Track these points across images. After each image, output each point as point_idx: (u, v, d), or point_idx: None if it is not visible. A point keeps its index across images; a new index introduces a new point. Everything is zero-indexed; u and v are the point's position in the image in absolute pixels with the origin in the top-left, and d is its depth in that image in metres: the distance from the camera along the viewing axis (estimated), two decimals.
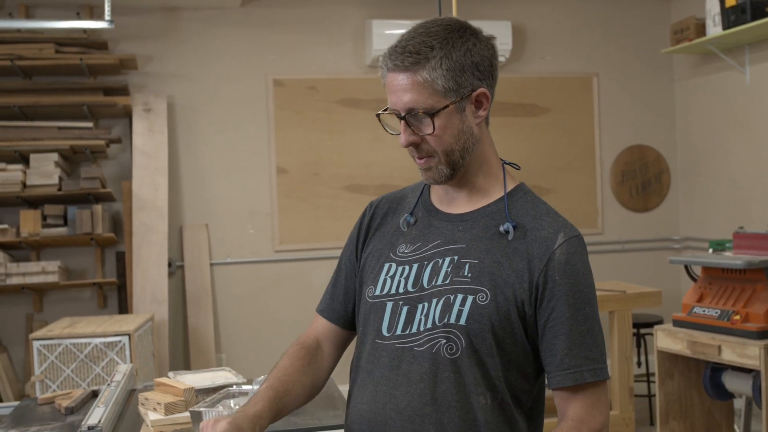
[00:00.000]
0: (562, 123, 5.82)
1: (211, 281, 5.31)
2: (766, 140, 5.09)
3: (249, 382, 2.44)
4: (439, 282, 1.59)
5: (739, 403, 4.12)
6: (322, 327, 1.82)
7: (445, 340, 1.56)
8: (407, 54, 1.54)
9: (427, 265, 1.62)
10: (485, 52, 1.59)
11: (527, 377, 1.62)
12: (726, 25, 4.83)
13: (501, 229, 1.60)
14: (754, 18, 4.63)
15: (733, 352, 3.38)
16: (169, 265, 5.11)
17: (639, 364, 5.26)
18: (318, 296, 5.79)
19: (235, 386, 2.41)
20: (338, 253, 5.57)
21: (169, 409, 2.19)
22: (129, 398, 2.55)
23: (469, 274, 1.58)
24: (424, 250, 1.64)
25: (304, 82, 5.44)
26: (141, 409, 2.31)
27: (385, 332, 1.62)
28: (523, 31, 5.70)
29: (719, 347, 3.43)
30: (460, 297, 1.57)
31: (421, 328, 1.58)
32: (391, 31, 5.33)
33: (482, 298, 1.55)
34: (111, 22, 4.20)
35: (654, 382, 5.06)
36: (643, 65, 5.96)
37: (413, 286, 1.62)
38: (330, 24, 5.50)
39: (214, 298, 5.33)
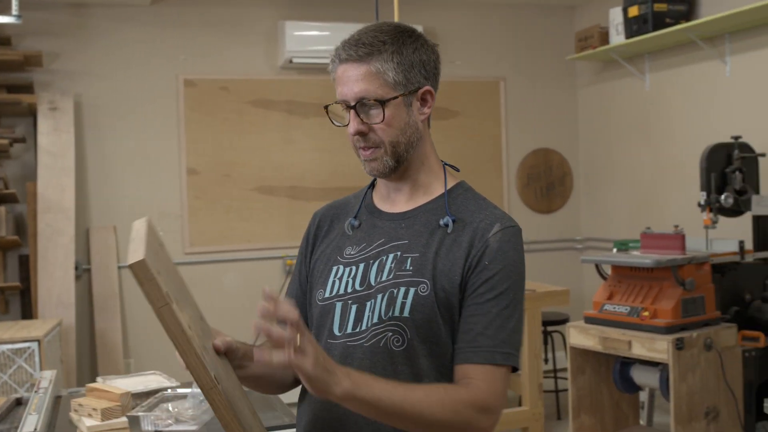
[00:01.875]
0: (470, 126, 5.95)
1: (119, 284, 5.18)
2: (664, 145, 5.34)
3: (184, 386, 2.41)
4: (384, 278, 1.62)
5: (644, 396, 4.31)
6: None
7: (391, 333, 1.59)
8: (361, 45, 1.59)
9: (373, 263, 1.65)
10: (431, 54, 1.66)
11: None
12: (629, 34, 5.05)
13: (441, 222, 1.65)
14: (655, 28, 4.85)
15: (643, 346, 3.54)
16: (76, 268, 4.96)
17: (546, 360, 5.43)
18: (229, 299, 5.74)
19: (170, 390, 2.38)
20: (250, 254, 5.55)
21: (106, 414, 2.15)
22: (56, 405, 2.48)
23: (411, 268, 1.61)
24: (369, 250, 1.68)
25: (215, 82, 5.38)
26: (73, 415, 2.25)
27: (336, 332, 1.64)
28: (434, 35, 5.79)
29: (629, 342, 3.58)
30: (402, 290, 1.60)
31: (369, 324, 1.61)
32: (305, 33, 5.33)
33: (423, 289, 1.59)
34: (19, 17, 4.05)
35: (561, 378, 5.24)
36: (548, 71, 6.16)
37: (361, 285, 1.64)
38: (242, 24, 5.46)
39: (122, 302, 5.20)
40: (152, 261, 1.31)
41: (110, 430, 2.13)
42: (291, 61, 5.35)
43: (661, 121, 5.35)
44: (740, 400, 3.64)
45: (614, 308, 3.73)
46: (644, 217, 5.50)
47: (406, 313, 1.58)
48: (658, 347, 3.47)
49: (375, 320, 1.60)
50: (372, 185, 1.79)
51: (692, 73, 5.07)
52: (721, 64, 4.82)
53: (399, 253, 1.63)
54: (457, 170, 1.79)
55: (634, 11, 4.97)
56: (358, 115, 1.60)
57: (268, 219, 5.50)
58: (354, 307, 1.63)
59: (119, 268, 5.18)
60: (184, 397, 2.26)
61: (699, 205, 4.06)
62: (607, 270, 4.00)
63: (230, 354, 1.58)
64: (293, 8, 5.50)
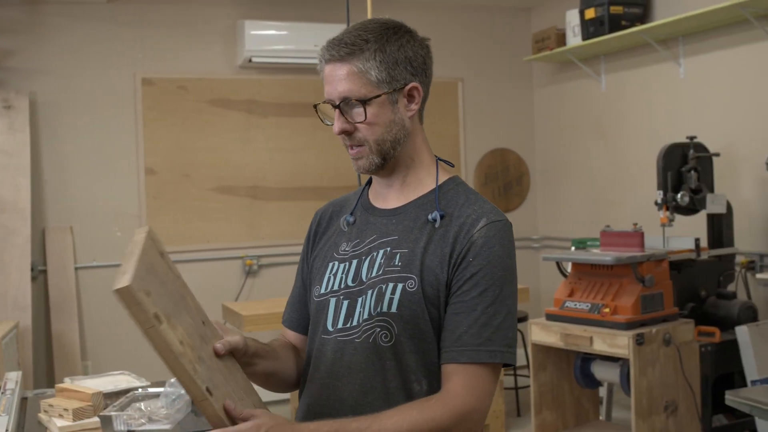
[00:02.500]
0: (429, 126, 5.92)
1: (76, 286, 5.11)
2: (620, 145, 5.44)
3: (155, 385, 2.39)
4: (374, 274, 1.63)
5: (603, 391, 4.38)
6: (289, 336, 1.86)
7: (380, 329, 1.60)
8: (343, 45, 1.61)
9: (365, 259, 1.67)
10: (419, 50, 1.67)
11: None
12: (585, 36, 5.13)
13: (429, 217, 1.65)
14: (611, 30, 4.93)
15: (604, 342, 3.60)
16: (32, 269, 4.87)
17: None
18: None
19: (140, 389, 2.36)
20: (209, 255, 5.52)
21: (78, 414, 2.12)
22: (21, 407, 2.44)
23: (400, 263, 1.62)
24: (362, 246, 1.70)
25: (173, 81, 5.33)
26: (43, 416, 2.22)
27: (329, 327, 1.67)
28: None
29: (591, 338, 3.64)
30: (391, 285, 1.61)
31: (360, 320, 1.62)
32: (264, 32, 5.31)
33: (411, 284, 1.59)
34: None
35: (520, 375, 5.30)
36: (505, 72, 6.22)
37: (353, 281, 1.66)
38: (201, 23, 5.42)
39: (79, 304, 5.13)
40: (140, 282, 1.32)
41: (82, 431, 2.11)
42: (250, 61, 5.33)
43: (617, 121, 5.45)
44: (698, 394, 3.72)
45: (575, 305, 3.79)
46: (600, 216, 5.59)
47: (393, 309, 1.59)
48: (619, 343, 3.54)
49: (365, 316, 1.62)
50: (369, 182, 1.81)
51: (647, 74, 5.17)
52: (675, 66, 4.92)
53: (389, 249, 1.65)
54: (452, 165, 1.80)
55: (590, 13, 5.05)
56: (343, 115, 1.63)
57: (227, 219, 5.47)
58: (346, 303, 1.65)
59: (76, 269, 5.11)
60: (156, 396, 2.25)
61: (656, 203, 4.15)
62: (566, 268, 4.06)
63: (237, 352, 1.59)
64: (252, 7, 5.48)
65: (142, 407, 2.17)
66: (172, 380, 2.23)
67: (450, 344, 1.57)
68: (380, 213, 1.72)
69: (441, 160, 1.77)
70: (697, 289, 4.10)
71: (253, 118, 5.52)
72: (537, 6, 6.19)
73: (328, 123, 1.69)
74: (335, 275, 1.69)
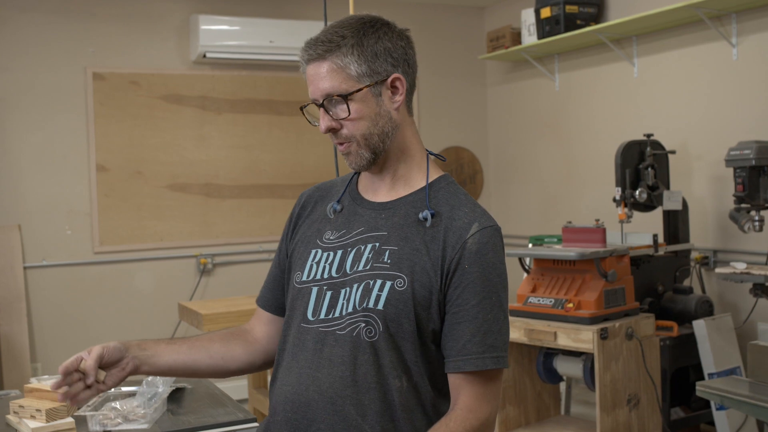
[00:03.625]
0: None
1: (25, 286, 4.96)
2: (573, 143, 5.50)
3: (128, 384, 2.33)
4: (361, 268, 1.63)
5: (563, 386, 4.42)
6: (260, 316, 1.87)
7: (364, 324, 1.60)
8: (319, 43, 1.61)
9: (351, 251, 1.66)
10: (398, 41, 1.65)
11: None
12: (541, 35, 5.17)
13: (420, 216, 1.64)
14: (567, 29, 4.98)
15: (568, 337, 3.63)
16: None
17: None
18: (142, 299, 5.60)
19: (113, 389, 2.29)
20: (162, 254, 5.42)
21: (51, 415, 2.05)
22: None
23: (389, 261, 1.62)
24: (348, 237, 1.69)
25: (125, 76, 5.22)
26: (12, 418, 2.13)
27: (309, 316, 1.65)
28: None
29: (555, 333, 3.67)
30: (379, 282, 1.60)
31: (343, 313, 1.62)
32: (218, 27, 5.23)
33: (400, 284, 1.60)
34: None
35: None
36: (459, 70, 6.24)
37: (337, 272, 1.65)
38: (153, 17, 5.31)
39: (28, 304, 4.98)
40: None
41: (56, 431, 2.04)
42: (204, 56, 5.24)
43: (571, 120, 5.51)
44: (659, 387, 3.78)
45: (539, 301, 3.81)
46: (553, 213, 5.65)
47: (380, 306, 1.59)
48: (583, 337, 3.57)
49: (350, 309, 1.61)
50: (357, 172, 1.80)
51: (601, 73, 5.24)
52: (629, 66, 5.00)
53: (377, 245, 1.64)
54: (443, 159, 1.82)
55: (546, 12, 5.09)
56: (327, 112, 1.62)
57: (181, 217, 5.37)
58: (329, 294, 1.65)
59: (25, 268, 4.96)
60: (131, 395, 2.18)
61: (614, 200, 4.20)
62: (527, 263, 4.09)
63: (109, 365, 1.67)
64: (206, 2, 5.39)
65: (118, 406, 2.11)
66: (149, 379, 2.18)
67: (455, 354, 1.59)
68: (369, 205, 1.71)
69: (432, 154, 1.76)
70: (655, 284, 4.16)
71: (207, 114, 5.43)
72: (490, 5, 6.22)
73: (316, 124, 1.68)
74: (318, 263, 1.69)
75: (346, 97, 1.60)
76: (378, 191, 1.73)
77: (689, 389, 4.24)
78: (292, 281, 1.72)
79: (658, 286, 4.17)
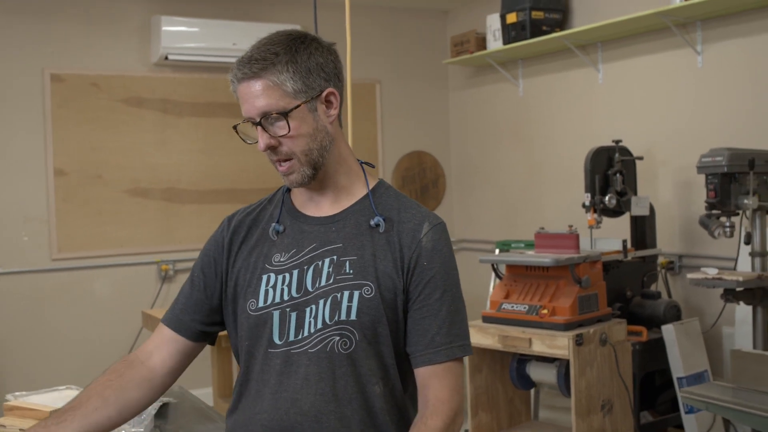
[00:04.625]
0: (348, 128, 5.91)
1: None
2: (536, 149, 5.53)
3: None
4: (323, 283, 1.65)
5: (533, 392, 4.43)
6: (166, 337, 1.77)
7: (338, 337, 1.62)
8: (254, 62, 1.60)
9: (308, 269, 1.67)
10: (328, 56, 1.67)
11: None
12: (506, 40, 5.18)
13: (372, 222, 1.69)
14: (533, 35, 5.00)
15: (543, 343, 3.63)
16: None
17: None
18: (102, 307, 5.45)
19: None
20: (123, 260, 5.28)
21: None
22: None
23: (351, 271, 1.65)
24: (301, 256, 1.69)
25: (85, 78, 5.08)
26: None
27: (277, 340, 1.65)
28: None
29: (530, 340, 3.66)
30: (346, 293, 1.64)
31: (312, 330, 1.63)
32: (181, 29, 5.14)
33: (368, 291, 1.64)
34: None
35: None
36: (422, 74, 6.23)
37: (297, 291, 1.66)
38: (114, 18, 5.18)
39: None
40: None
41: None
42: (166, 58, 5.14)
43: (535, 125, 5.53)
44: (632, 392, 3.80)
45: (512, 307, 3.81)
46: (516, 218, 5.67)
47: (353, 317, 1.63)
48: (558, 344, 3.57)
49: (319, 326, 1.63)
50: (288, 189, 1.79)
51: (565, 79, 5.27)
52: (594, 71, 5.04)
53: (335, 257, 1.67)
54: (372, 166, 1.84)
55: (512, 18, 5.11)
56: (266, 131, 1.62)
57: (141, 222, 5.25)
58: (293, 315, 1.65)
59: None
60: None
61: (583, 206, 4.22)
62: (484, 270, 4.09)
63: None
64: (168, 3, 5.28)
65: None
66: None
67: (424, 348, 1.65)
68: (315, 221, 1.72)
69: (362, 162, 1.80)
70: (624, 290, 4.20)
71: (168, 117, 5.33)
72: (453, 9, 6.22)
73: (250, 142, 1.68)
74: (274, 287, 1.67)
75: (285, 115, 1.60)
76: (320, 205, 1.74)
77: (655, 393, 4.29)
78: (245, 311, 1.68)
79: (627, 292, 4.21)
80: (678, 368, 3.99)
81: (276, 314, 1.65)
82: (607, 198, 4.18)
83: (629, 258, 4.20)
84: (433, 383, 1.64)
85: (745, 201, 3.49)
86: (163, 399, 2.34)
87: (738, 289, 3.49)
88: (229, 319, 1.75)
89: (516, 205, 5.73)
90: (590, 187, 4.21)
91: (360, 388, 1.63)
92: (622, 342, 3.80)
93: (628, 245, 4.30)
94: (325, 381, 1.61)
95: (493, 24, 5.35)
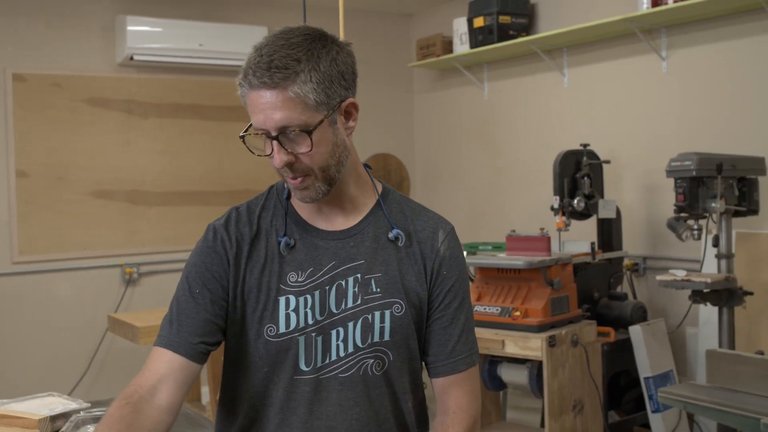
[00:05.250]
0: None
1: None
2: (501, 152, 5.58)
3: (96, 406, 2.22)
4: (351, 304, 1.56)
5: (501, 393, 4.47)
6: (174, 366, 1.50)
7: (373, 360, 1.57)
8: (274, 70, 1.43)
9: (330, 289, 1.56)
10: (348, 59, 1.53)
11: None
12: (474, 44, 5.22)
13: (390, 236, 1.62)
14: (500, 39, 5.04)
15: (516, 345, 3.67)
16: None
17: None
18: (64, 311, 5.35)
19: (82, 412, 2.18)
20: (85, 263, 5.19)
21: None
22: None
23: (378, 289, 1.58)
24: (321, 275, 1.57)
25: (47, 78, 4.99)
26: None
27: (303, 367, 1.55)
28: None
29: (503, 342, 3.70)
30: (377, 314, 1.57)
31: (341, 354, 1.56)
32: (146, 29, 5.08)
33: (398, 309, 1.58)
34: None
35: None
36: (385, 77, 6.23)
37: (321, 314, 1.55)
38: (77, 16, 5.09)
39: None
40: None
41: None
42: (131, 58, 5.07)
43: (500, 128, 5.58)
44: (602, 392, 3.86)
45: (485, 309, 3.84)
46: (481, 221, 5.71)
47: (386, 338, 1.57)
48: (531, 345, 3.61)
49: (350, 349, 1.56)
50: (288, 196, 1.64)
51: (531, 83, 5.33)
52: (559, 76, 5.10)
53: (359, 275, 1.58)
54: (370, 168, 1.73)
55: (479, 22, 5.14)
56: (283, 147, 1.47)
57: (105, 225, 5.17)
58: (319, 339, 1.55)
59: None
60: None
61: (552, 208, 4.27)
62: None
63: None
64: (132, 3, 5.21)
65: (92, 430, 2.00)
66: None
67: (446, 357, 1.63)
68: (330, 236, 1.60)
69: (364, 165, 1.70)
70: (591, 291, 4.25)
71: (133, 119, 5.25)
72: (417, 13, 6.25)
73: (258, 153, 1.54)
74: (296, 311, 1.55)
75: (310, 132, 1.45)
76: (332, 217, 1.62)
77: (621, 393, 4.35)
78: (261, 335, 1.55)
79: (594, 293, 4.27)
80: (645, 368, 4.06)
81: (301, 340, 1.54)
82: (575, 201, 4.23)
83: (597, 260, 4.26)
84: (454, 391, 1.62)
85: (713, 204, 3.56)
86: None
87: (705, 290, 3.56)
88: (235, 340, 1.59)
89: (481, 208, 5.77)
90: (559, 190, 4.26)
91: (394, 406, 1.60)
92: (593, 343, 3.86)
93: (595, 247, 4.37)
94: (361, 405, 1.55)
95: (460, 28, 5.38)
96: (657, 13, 4.18)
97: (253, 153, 1.57)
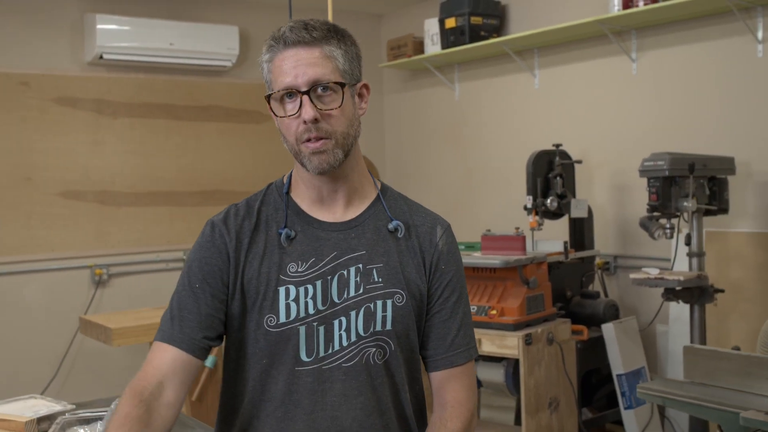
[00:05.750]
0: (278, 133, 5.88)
1: None
2: (472, 152, 5.61)
3: (81, 407, 2.20)
4: (352, 294, 1.58)
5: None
6: (178, 363, 1.51)
7: (374, 348, 1.58)
8: (311, 28, 1.51)
9: (332, 279, 1.58)
10: (359, 51, 1.62)
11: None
12: (445, 44, 5.24)
13: (390, 227, 1.64)
14: (472, 40, 5.08)
15: (493, 343, 3.70)
16: None
17: None
18: (34, 313, 5.27)
19: (67, 414, 2.16)
20: (54, 264, 5.12)
21: None
22: None
23: (380, 279, 1.60)
24: (322, 265, 1.59)
25: (14, 76, 4.91)
26: None
27: (304, 357, 1.56)
28: (245, 36, 5.67)
29: (479, 340, 3.72)
30: (379, 303, 1.58)
31: (344, 343, 1.57)
32: (116, 27, 5.02)
33: (399, 299, 1.60)
34: None
35: None
36: None
37: (323, 304, 1.56)
38: (45, 13, 5.02)
39: None
40: None
41: None
42: (101, 57, 5.01)
43: (471, 129, 5.61)
44: (577, 390, 3.90)
45: None
46: (452, 221, 5.71)
47: (388, 326, 1.59)
48: (508, 344, 3.64)
49: (353, 338, 1.57)
50: (287, 190, 1.66)
51: (502, 84, 5.36)
52: (530, 77, 5.15)
53: (361, 266, 1.60)
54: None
55: (451, 23, 5.17)
56: (311, 101, 1.50)
57: (74, 226, 5.10)
58: (321, 329, 1.56)
59: None
60: (96, 419, 2.06)
61: (525, 208, 4.31)
62: None
63: None
64: (101, 1, 5.15)
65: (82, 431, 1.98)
66: (117, 401, 2.06)
67: (445, 350, 1.65)
68: (331, 227, 1.62)
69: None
70: (564, 290, 4.30)
71: (102, 118, 5.19)
72: (387, 13, 6.26)
73: (281, 115, 1.54)
74: (296, 301, 1.55)
75: (343, 86, 1.52)
76: (333, 208, 1.63)
77: (593, 390, 4.41)
78: (260, 326, 1.55)
79: (567, 292, 4.31)
80: (618, 365, 4.11)
81: (302, 330, 1.54)
82: (548, 200, 4.28)
83: (569, 259, 4.31)
84: (451, 385, 1.64)
85: (685, 203, 3.62)
86: None
87: (678, 288, 3.62)
88: (234, 336, 1.59)
89: (452, 208, 5.79)
90: (532, 190, 4.30)
91: (394, 396, 1.61)
92: (567, 341, 3.91)
93: (568, 246, 4.42)
94: (365, 394, 1.56)
95: (431, 28, 5.40)
96: (628, 15, 4.24)
97: (275, 114, 1.56)
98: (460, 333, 1.65)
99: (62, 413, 2.15)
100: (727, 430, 2.39)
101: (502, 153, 5.37)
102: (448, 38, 5.22)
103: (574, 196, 4.47)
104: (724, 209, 3.82)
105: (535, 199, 4.29)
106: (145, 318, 4.09)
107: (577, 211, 4.41)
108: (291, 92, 1.51)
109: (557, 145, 4.41)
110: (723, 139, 4.11)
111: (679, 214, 3.70)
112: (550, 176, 4.36)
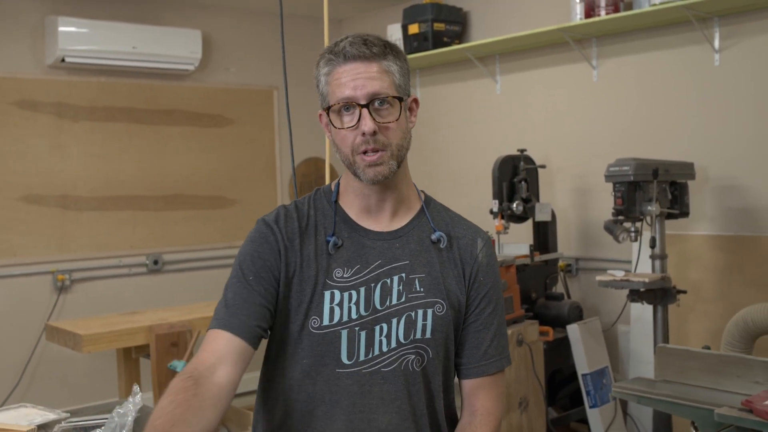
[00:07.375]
0: (245, 134, 5.89)
1: None
2: (433, 157, 5.68)
3: (76, 415, 2.20)
4: (395, 301, 1.63)
5: None
6: (232, 347, 1.53)
7: (414, 355, 1.63)
8: (370, 44, 1.57)
9: (375, 287, 1.63)
10: (409, 67, 1.68)
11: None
12: (408, 50, 5.30)
13: (433, 237, 1.69)
14: (435, 46, 5.15)
15: None
16: None
17: None
18: None
19: (63, 422, 2.16)
20: (15, 270, 5.07)
21: None
22: None
23: (422, 289, 1.65)
24: (367, 272, 1.64)
25: None
26: None
27: (345, 360, 1.61)
28: (209, 41, 5.66)
29: None
30: (420, 312, 1.64)
31: (384, 349, 1.62)
32: (78, 30, 4.97)
33: (440, 309, 1.65)
34: None
35: None
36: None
37: (366, 310, 1.62)
38: (5, 16, 4.94)
39: None
40: None
41: None
42: (63, 60, 4.96)
43: (433, 134, 5.68)
44: (545, 390, 4.00)
45: None
46: None
47: (428, 335, 1.64)
48: None
49: (393, 345, 1.62)
50: (336, 198, 1.71)
51: (464, 89, 5.45)
52: (491, 82, 5.24)
53: (404, 275, 1.65)
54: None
55: (414, 29, 5.24)
56: (370, 114, 1.56)
57: (36, 231, 5.04)
58: (363, 334, 1.61)
59: None
60: (94, 427, 2.07)
61: (491, 212, 4.40)
62: None
63: None
64: (62, 3, 5.10)
65: None
66: (119, 409, 2.07)
67: (478, 360, 1.69)
68: (377, 236, 1.68)
69: None
70: (529, 292, 4.40)
71: (63, 122, 5.14)
72: (348, 18, 6.31)
73: (342, 126, 1.59)
74: (340, 305, 1.61)
75: (401, 100, 1.58)
76: (379, 218, 1.69)
77: (556, 390, 4.51)
78: (304, 326, 1.61)
79: (532, 294, 4.41)
80: (583, 365, 4.22)
81: (344, 333, 1.60)
82: (514, 205, 4.37)
83: (534, 262, 4.41)
84: (481, 393, 1.69)
85: (649, 207, 3.73)
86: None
87: (642, 289, 3.73)
88: (278, 333, 1.64)
89: None
90: (498, 194, 4.39)
91: (429, 402, 1.65)
92: (535, 342, 4.00)
93: (533, 249, 4.51)
94: (401, 399, 1.61)
95: (394, 34, 5.46)
96: (589, 24, 4.35)
97: (333, 126, 1.61)
98: (493, 343, 1.70)
99: (58, 421, 2.15)
100: (701, 426, 2.49)
101: (463, 158, 5.45)
102: (411, 44, 5.28)
103: (538, 200, 4.57)
104: (685, 213, 3.95)
105: (501, 203, 4.38)
106: (113, 324, 4.06)
107: (542, 215, 4.51)
108: (349, 105, 1.57)
109: (522, 150, 4.51)
110: (681, 145, 4.25)
111: (642, 217, 3.82)
112: (515, 181, 4.45)
